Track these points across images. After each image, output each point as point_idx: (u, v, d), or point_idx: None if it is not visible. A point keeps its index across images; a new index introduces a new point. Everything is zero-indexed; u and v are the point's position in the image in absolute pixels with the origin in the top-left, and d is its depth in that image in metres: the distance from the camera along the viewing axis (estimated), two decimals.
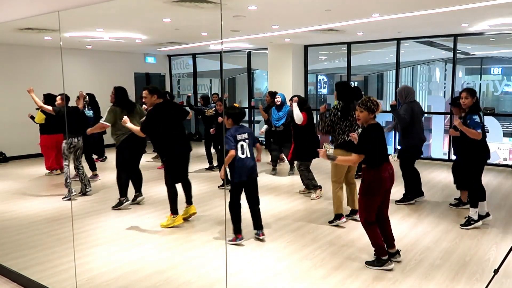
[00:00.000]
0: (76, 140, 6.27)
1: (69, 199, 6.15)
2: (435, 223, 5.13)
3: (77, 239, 4.45)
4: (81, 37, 7.71)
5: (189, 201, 5.33)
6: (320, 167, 8.26)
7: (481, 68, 12.38)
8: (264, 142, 8.84)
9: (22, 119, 7.06)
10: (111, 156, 8.89)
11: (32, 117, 6.71)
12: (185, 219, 5.22)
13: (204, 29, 7.85)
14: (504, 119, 10.50)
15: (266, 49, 10.89)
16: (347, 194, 5.34)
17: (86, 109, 6.91)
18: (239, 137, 4.42)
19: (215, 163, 8.02)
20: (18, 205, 5.94)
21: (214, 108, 7.80)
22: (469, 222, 4.95)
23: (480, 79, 11.03)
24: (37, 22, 4.99)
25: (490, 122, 8.36)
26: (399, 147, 6.11)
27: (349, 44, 10.10)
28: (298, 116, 6.00)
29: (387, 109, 11.72)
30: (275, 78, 10.67)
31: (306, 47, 10.79)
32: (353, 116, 4.87)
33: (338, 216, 5.10)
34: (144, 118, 5.33)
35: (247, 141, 4.47)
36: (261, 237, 4.57)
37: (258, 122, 11.76)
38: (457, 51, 8.89)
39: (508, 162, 8.53)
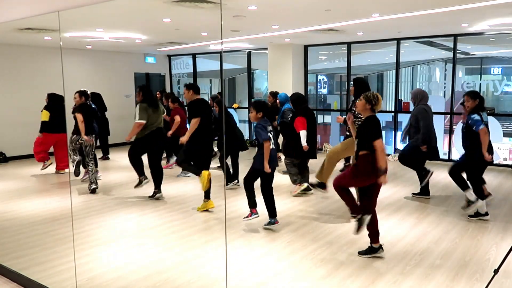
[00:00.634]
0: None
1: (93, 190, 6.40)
2: (435, 223, 5.13)
3: (77, 239, 4.44)
4: (81, 37, 7.71)
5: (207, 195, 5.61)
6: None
7: (481, 68, 12.38)
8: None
9: (22, 119, 7.07)
10: (114, 156, 8.92)
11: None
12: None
13: (204, 29, 7.85)
14: (504, 119, 10.50)
15: (266, 49, 10.89)
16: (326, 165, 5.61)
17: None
18: (268, 128, 4.75)
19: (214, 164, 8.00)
20: (18, 205, 5.94)
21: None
22: (478, 213, 5.17)
23: (480, 79, 11.01)
24: (37, 22, 4.99)
25: (490, 122, 8.33)
26: (400, 147, 6.18)
27: (349, 44, 10.10)
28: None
29: (387, 109, 11.77)
30: (275, 78, 10.67)
31: (306, 47, 10.79)
32: None
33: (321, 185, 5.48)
34: (187, 108, 5.83)
35: (272, 133, 4.80)
36: (276, 225, 4.82)
37: None
38: (457, 51, 8.89)
39: (508, 162, 8.53)
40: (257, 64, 12.07)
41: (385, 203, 5.88)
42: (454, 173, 5.35)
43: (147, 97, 6.09)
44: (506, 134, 9.46)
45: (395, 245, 4.42)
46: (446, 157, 9.13)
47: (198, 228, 5.07)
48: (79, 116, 6.27)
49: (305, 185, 6.30)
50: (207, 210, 5.57)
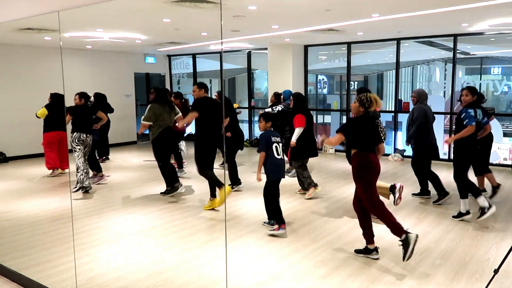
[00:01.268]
0: (84, 135, 6.37)
1: (78, 190, 6.33)
2: (435, 223, 5.13)
3: (77, 239, 4.45)
4: (81, 37, 7.72)
5: (213, 193, 5.67)
6: (320, 167, 8.27)
7: (481, 68, 12.38)
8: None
9: (22, 119, 7.07)
10: (113, 156, 8.92)
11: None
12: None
13: (204, 29, 7.85)
14: (504, 119, 10.51)
15: (266, 49, 10.89)
16: None
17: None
18: (273, 139, 4.77)
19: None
20: (18, 205, 5.94)
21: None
22: (483, 212, 5.03)
23: (480, 79, 11.01)
24: (37, 22, 4.99)
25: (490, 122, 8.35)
26: (400, 147, 6.17)
27: (349, 44, 10.10)
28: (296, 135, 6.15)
29: (387, 109, 11.78)
30: (275, 78, 10.68)
31: (306, 47, 10.80)
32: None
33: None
34: (192, 105, 5.86)
35: (280, 144, 4.82)
36: (283, 229, 4.73)
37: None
38: (457, 51, 8.90)
39: (508, 162, 8.53)
40: (257, 64, 12.07)
41: (385, 204, 5.85)
42: (463, 179, 5.19)
43: (160, 98, 6.23)
44: (506, 134, 9.46)
45: (395, 245, 4.41)
46: (446, 157, 9.13)
47: (198, 228, 5.07)
48: (68, 117, 6.40)
49: (319, 188, 6.27)
50: (213, 209, 5.58)
